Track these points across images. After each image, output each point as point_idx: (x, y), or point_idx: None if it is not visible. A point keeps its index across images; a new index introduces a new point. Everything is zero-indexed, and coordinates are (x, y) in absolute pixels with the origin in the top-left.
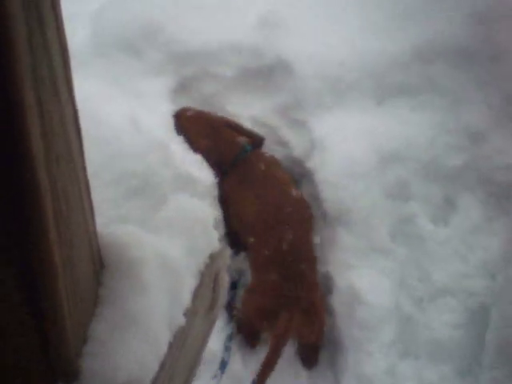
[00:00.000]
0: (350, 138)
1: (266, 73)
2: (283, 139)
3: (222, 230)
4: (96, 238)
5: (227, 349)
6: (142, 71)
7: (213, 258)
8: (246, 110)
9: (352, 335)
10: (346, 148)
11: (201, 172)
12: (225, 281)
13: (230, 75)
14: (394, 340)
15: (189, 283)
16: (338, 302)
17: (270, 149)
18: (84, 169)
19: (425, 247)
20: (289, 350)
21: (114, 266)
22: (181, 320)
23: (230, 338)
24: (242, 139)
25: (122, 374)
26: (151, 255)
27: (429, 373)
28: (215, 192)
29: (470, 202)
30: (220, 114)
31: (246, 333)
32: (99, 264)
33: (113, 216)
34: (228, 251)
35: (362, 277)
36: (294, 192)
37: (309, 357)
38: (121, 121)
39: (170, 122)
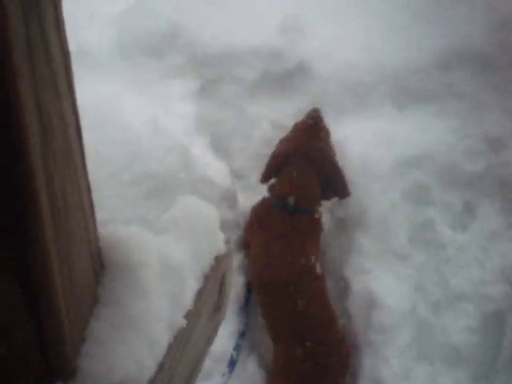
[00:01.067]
0: (369, 142)
1: (288, 76)
2: None
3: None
4: (96, 237)
5: (237, 347)
6: (164, 73)
7: (218, 260)
8: (267, 112)
9: (368, 339)
10: (366, 152)
11: (219, 176)
12: (231, 283)
13: (251, 78)
14: (409, 344)
15: (192, 285)
16: (354, 305)
17: None
18: (84, 168)
19: (443, 252)
20: None
21: (115, 266)
22: (181, 322)
23: (242, 335)
24: (292, 198)
25: (118, 374)
26: (153, 257)
27: (444, 377)
28: (230, 195)
29: (489, 208)
30: (240, 116)
31: None
32: (99, 264)
33: (131, 216)
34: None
35: (379, 281)
36: (310, 261)
37: None
38: (142, 122)
39: (190, 125)
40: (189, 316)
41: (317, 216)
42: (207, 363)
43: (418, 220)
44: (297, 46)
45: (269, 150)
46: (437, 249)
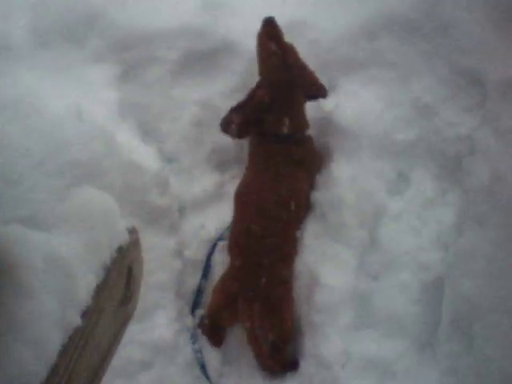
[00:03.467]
0: None
1: (212, 55)
2: None
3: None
4: None
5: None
6: (84, 59)
7: (122, 251)
8: (194, 93)
9: (310, 319)
10: None
11: (147, 161)
12: (141, 273)
13: (175, 59)
14: (350, 320)
15: (88, 281)
16: (296, 286)
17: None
18: None
19: (379, 223)
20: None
21: None
22: (76, 321)
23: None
24: (286, 120)
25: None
26: (36, 254)
27: (387, 349)
28: (161, 180)
29: (422, 175)
30: (166, 98)
31: (210, 325)
32: None
33: (57, 208)
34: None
35: (318, 257)
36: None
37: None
38: (64, 111)
39: (115, 110)
40: (87, 314)
41: (310, 144)
42: (147, 353)
43: (351, 192)
44: (221, 23)
45: (199, 132)
46: (373, 219)
